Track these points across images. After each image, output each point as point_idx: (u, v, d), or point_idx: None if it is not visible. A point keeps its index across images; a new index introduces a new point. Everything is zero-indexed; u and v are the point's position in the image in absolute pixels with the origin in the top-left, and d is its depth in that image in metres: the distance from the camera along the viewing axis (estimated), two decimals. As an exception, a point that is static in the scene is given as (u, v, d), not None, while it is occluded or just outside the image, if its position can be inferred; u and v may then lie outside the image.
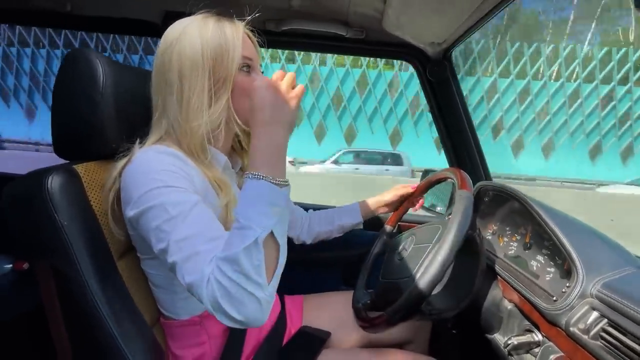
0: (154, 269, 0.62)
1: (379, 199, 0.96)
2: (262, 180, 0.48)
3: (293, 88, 0.53)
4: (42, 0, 1.07)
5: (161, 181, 0.51)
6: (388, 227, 0.95)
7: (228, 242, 0.46)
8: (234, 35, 0.60)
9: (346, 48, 1.12)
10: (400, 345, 0.92)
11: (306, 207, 1.03)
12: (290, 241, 0.74)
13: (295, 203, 1.00)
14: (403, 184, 0.98)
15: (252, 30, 0.65)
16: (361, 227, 1.00)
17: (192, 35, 0.59)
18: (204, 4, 0.77)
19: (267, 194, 0.47)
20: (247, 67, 0.63)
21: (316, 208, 1.22)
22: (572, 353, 0.54)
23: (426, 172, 1.12)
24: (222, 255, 0.45)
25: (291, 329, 0.81)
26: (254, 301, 0.44)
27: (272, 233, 0.47)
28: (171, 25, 0.62)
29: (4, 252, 1.11)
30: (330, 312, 0.89)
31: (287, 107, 0.51)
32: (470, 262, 0.71)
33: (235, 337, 0.67)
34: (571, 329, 0.53)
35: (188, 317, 0.65)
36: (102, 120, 0.61)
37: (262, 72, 0.68)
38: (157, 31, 1.13)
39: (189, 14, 0.64)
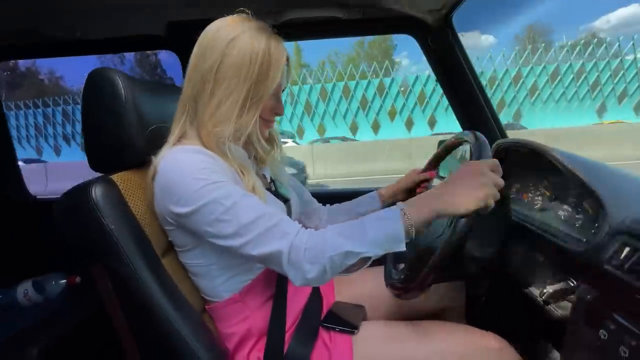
0: (193, 260, 0.67)
1: (396, 187, 0.96)
2: (399, 223, 0.55)
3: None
4: (53, 31, 1.15)
5: (204, 180, 0.56)
6: None
7: (344, 233, 0.56)
8: (280, 59, 0.63)
9: (345, 30, 1.13)
10: (436, 316, 0.91)
11: (324, 193, 1.04)
12: None
13: (312, 193, 1.00)
14: (416, 169, 0.97)
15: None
16: None
17: (245, 43, 0.60)
18: (203, 5, 0.78)
19: (395, 233, 0.55)
20: (277, 93, 0.68)
21: (333, 194, 1.23)
22: (608, 290, 0.52)
23: (441, 143, 1.11)
24: (332, 241, 0.54)
25: (325, 305, 0.84)
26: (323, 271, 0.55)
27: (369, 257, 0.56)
28: (222, 25, 0.63)
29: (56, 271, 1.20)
30: (360, 288, 0.91)
31: (473, 194, 0.54)
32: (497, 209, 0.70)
33: (277, 310, 0.70)
34: (605, 266, 0.51)
35: (229, 295, 0.68)
36: (129, 132, 0.65)
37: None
38: (164, 43, 1.17)
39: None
